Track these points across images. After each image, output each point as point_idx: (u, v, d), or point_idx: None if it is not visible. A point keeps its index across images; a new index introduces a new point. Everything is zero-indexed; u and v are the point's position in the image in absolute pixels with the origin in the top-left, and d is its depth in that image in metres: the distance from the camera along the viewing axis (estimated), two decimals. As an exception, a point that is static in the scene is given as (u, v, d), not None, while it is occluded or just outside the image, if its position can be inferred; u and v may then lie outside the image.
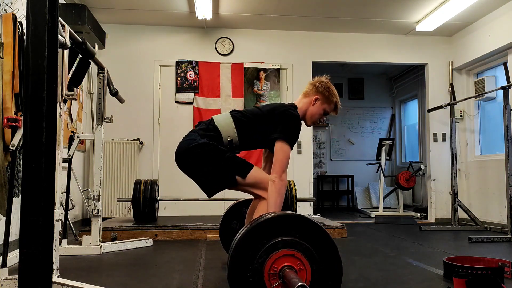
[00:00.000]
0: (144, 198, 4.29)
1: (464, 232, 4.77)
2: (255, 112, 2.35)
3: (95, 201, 3.37)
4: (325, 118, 8.10)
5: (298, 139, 5.64)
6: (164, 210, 5.47)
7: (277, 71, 5.80)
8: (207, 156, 2.18)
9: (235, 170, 2.17)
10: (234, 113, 2.35)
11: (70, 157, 3.46)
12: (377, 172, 6.95)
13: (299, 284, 1.49)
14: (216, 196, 6.01)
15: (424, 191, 6.94)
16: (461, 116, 5.88)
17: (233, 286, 1.66)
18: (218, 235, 4.15)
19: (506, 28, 4.92)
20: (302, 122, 2.42)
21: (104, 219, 4.47)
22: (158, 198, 4.55)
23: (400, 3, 4.97)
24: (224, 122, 2.30)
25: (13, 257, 2.63)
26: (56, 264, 2.40)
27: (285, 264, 1.64)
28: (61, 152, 2.41)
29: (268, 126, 2.27)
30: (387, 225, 5.48)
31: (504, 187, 4.60)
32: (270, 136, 2.24)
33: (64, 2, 4.65)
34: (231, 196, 4.26)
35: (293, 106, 2.37)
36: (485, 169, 5.44)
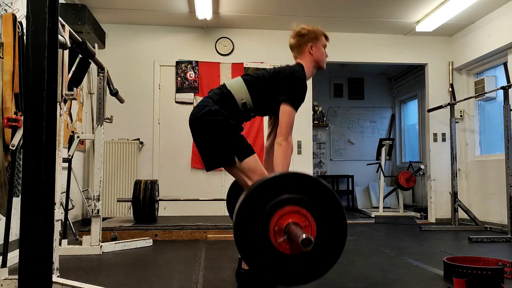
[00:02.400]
0: (144, 198, 4.29)
1: (464, 232, 4.77)
2: (264, 75, 2.32)
3: (95, 201, 3.37)
4: (324, 118, 8.12)
5: (298, 139, 5.72)
6: (164, 210, 5.46)
7: (277, 71, 5.79)
8: (214, 127, 2.15)
9: (236, 150, 2.14)
10: (245, 77, 2.34)
11: (70, 157, 3.46)
12: (377, 172, 6.95)
13: (304, 236, 1.49)
14: (216, 196, 6.00)
15: (424, 191, 6.94)
16: (461, 116, 5.88)
17: (239, 243, 1.65)
18: (218, 235, 4.17)
19: (506, 28, 4.92)
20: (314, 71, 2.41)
21: (104, 219, 4.47)
22: (158, 198, 4.55)
23: (400, 3, 4.97)
24: (236, 85, 2.28)
25: (13, 257, 2.63)
26: (56, 264, 2.40)
27: (290, 220, 1.63)
28: (61, 152, 2.41)
29: (274, 88, 2.24)
30: (387, 225, 5.48)
31: (504, 187, 4.60)
32: (275, 98, 2.21)
33: (64, 2, 4.65)
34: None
35: (299, 67, 2.33)
36: (485, 169, 5.44)
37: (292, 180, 1.71)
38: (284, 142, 2.12)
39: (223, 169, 2.22)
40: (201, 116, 2.16)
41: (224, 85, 2.31)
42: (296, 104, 2.19)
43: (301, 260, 1.66)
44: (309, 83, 5.93)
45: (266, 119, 5.27)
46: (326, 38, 2.43)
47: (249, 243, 1.64)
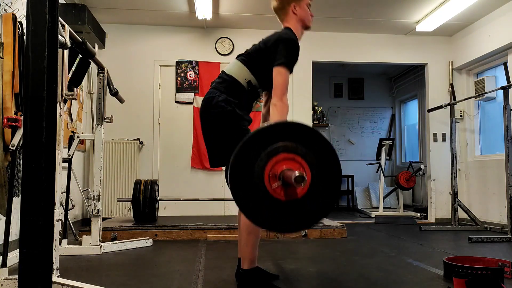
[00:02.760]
0: (144, 198, 4.29)
1: (464, 232, 4.77)
2: (256, 48, 2.32)
3: (95, 201, 3.37)
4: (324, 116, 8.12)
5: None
6: (164, 210, 5.47)
7: (277, 71, 5.78)
8: (222, 120, 2.16)
9: None
10: (240, 57, 2.34)
11: (70, 157, 3.46)
12: (377, 172, 6.95)
13: (297, 173, 1.50)
14: (216, 196, 6.00)
15: (424, 191, 6.94)
16: (461, 116, 5.88)
17: (234, 190, 1.66)
18: (218, 235, 4.16)
19: (506, 28, 4.92)
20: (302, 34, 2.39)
21: (104, 219, 4.47)
22: (158, 198, 4.55)
23: (400, 3, 4.97)
24: (235, 68, 2.29)
25: (13, 257, 2.63)
26: (56, 264, 2.40)
27: (285, 167, 1.63)
28: (61, 152, 2.41)
29: (268, 56, 2.22)
30: (387, 225, 5.48)
31: (504, 187, 4.60)
32: (272, 64, 2.19)
33: (64, 2, 4.65)
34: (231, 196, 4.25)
35: (287, 29, 2.31)
36: (485, 169, 5.44)
37: (287, 128, 1.71)
38: (279, 102, 2.10)
39: (223, 168, 2.22)
40: (210, 108, 2.18)
41: (223, 72, 2.31)
42: (289, 64, 2.17)
43: (296, 206, 1.66)
44: (309, 82, 5.94)
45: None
46: None
47: (244, 190, 1.65)
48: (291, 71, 2.18)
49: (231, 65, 2.34)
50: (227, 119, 2.16)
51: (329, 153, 1.71)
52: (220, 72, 2.36)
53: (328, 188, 1.70)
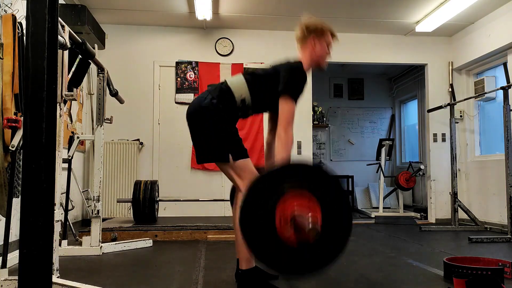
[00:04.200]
0: (144, 198, 4.29)
1: (464, 232, 4.77)
2: (265, 71, 2.34)
3: (95, 201, 3.37)
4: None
5: (298, 139, 5.72)
6: (164, 210, 5.46)
7: (277, 71, 5.79)
8: (207, 116, 2.17)
9: (231, 148, 2.15)
10: (245, 74, 2.35)
11: (70, 158, 3.46)
12: (377, 172, 6.95)
13: (311, 226, 1.49)
14: (216, 197, 5.99)
15: (424, 191, 6.94)
16: (461, 116, 5.88)
17: (246, 238, 1.66)
18: (218, 236, 4.16)
19: (505, 29, 4.92)
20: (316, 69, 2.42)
21: (104, 219, 4.47)
22: (158, 199, 4.55)
23: (399, 3, 4.97)
24: (236, 82, 2.29)
25: (13, 257, 2.63)
26: (56, 265, 2.40)
27: (295, 209, 1.62)
28: (61, 153, 2.41)
29: (274, 82, 2.23)
30: (387, 225, 5.48)
31: (504, 187, 4.60)
32: (276, 92, 2.21)
33: (64, 2, 4.65)
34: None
35: (298, 62, 2.33)
36: (485, 169, 5.44)
37: (293, 170, 1.71)
38: (284, 134, 2.11)
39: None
40: (197, 106, 2.20)
41: (224, 81, 2.32)
42: (295, 95, 2.18)
43: (308, 250, 1.65)
44: (309, 83, 5.93)
45: (266, 119, 5.26)
46: (333, 36, 2.39)
47: (256, 238, 1.64)
48: (296, 101, 2.19)
49: (234, 78, 2.35)
50: (212, 115, 2.17)
51: (338, 193, 1.70)
52: (222, 80, 2.37)
53: (338, 228, 1.69)
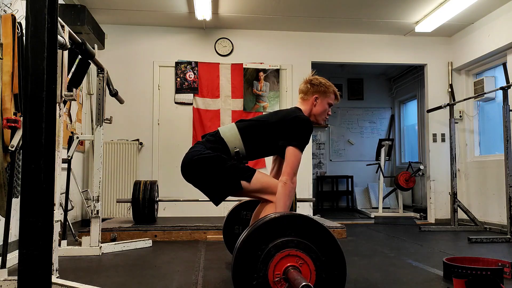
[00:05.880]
0: (144, 198, 4.29)
1: (464, 232, 4.77)
2: (263, 121, 2.36)
3: (94, 201, 3.36)
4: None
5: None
6: (164, 211, 5.46)
7: (277, 71, 5.80)
8: (210, 166, 2.19)
9: (239, 175, 2.19)
10: (239, 124, 2.37)
11: (69, 158, 3.46)
12: (376, 172, 6.96)
13: (303, 284, 1.49)
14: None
15: (424, 191, 6.94)
16: (460, 116, 5.89)
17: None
18: (218, 236, 4.16)
19: (505, 29, 4.92)
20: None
21: (103, 219, 4.47)
22: (157, 199, 4.55)
23: (399, 3, 4.98)
24: (229, 133, 2.31)
25: (13, 258, 2.63)
26: (55, 265, 2.40)
27: (289, 264, 1.65)
28: (61, 153, 2.41)
29: (279, 133, 2.27)
30: (387, 225, 5.48)
31: (503, 187, 4.60)
32: (281, 142, 2.25)
33: (64, 2, 4.64)
34: (231, 197, 4.25)
35: (300, 111, 2.38)
36: (484, 169, 5.44)
37: (286, 221, 1.73)
38: (289, 182, 2.15)
39: None
40: (197, 160, 2.21)
41: (217, 131, 2.35)
42: (303, 146, 2.23)
43: None
44: (309, 83, 5.93)
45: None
46: (336, 97, 2.45)
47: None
48: (302, 151, 2.24)
49: (227, 129, 2.36)
50: (211, 159, 2.20)
51: (332, 245, 1.73)
52: (216, 129, 2.39)
53: (333, 282, 1.70)
